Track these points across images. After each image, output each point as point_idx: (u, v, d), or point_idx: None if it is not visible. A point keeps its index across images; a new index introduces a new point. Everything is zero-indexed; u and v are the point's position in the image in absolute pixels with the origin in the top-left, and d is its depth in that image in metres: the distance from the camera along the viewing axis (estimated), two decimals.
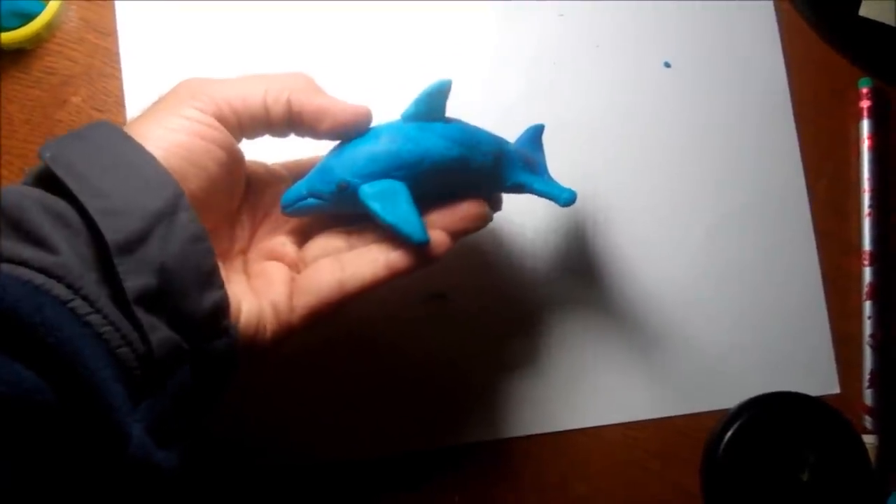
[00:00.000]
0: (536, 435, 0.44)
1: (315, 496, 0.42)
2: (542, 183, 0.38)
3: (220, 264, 0.34)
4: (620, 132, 0.46)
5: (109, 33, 0.43)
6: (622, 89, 0.46)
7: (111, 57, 0.43)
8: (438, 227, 0.35)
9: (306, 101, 0.34)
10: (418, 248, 0.34)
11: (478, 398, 0.44)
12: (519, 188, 0.38)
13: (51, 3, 0.41)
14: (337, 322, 0.43)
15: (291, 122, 0.34)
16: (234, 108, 0.33)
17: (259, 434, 0.42)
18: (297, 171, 0.38)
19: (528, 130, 0.39)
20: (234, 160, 0.33)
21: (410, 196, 0.34)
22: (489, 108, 0.45)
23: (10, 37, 0.40)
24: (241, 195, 0.36)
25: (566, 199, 0.38)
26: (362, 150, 0.35)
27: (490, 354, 0.44)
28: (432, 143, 0.35)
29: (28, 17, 0.41)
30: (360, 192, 0.34)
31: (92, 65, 0.43)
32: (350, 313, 0.43)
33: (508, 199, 0.44)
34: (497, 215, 0.44)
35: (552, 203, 0.45)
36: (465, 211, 0.36)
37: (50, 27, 0.42)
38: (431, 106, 0.35)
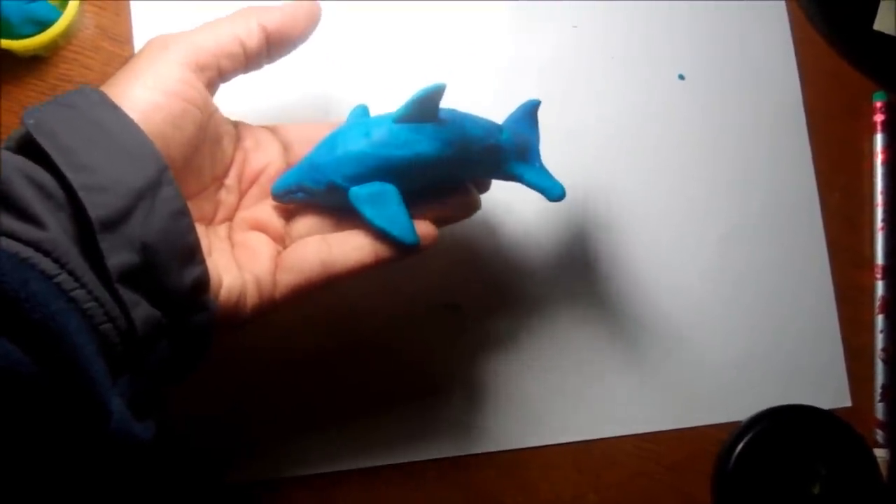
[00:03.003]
0: (547, 446, 0.44)
1: None
2: (533, 175, 0.37)
3: (204, 231, 0.34)
4: (633, 143, 0.46)
5: (125, 41, 0.43)
6: (635, 101, 0.46)
7: None
8: (426, 217, 0.35)
9: (274, 18, 0.34)
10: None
11: (488, 408, 0.44)
12: (510, 178, 0.38)
13: (67, 10, 0.41)
14: (347, 328, 0.43)
15: (270, 46, 0.34)
16: (210, 52, 0.33)
17: (265, 443, 0.42)
18: (285, 136, 0.38)
19: (521, 107, 0.38)
20: (210, 118, 0.33)
21: (401, 198, 0.34)
22: (502, 118, 0.45)
23: (26, 44, 0.40)
24: (228, 159, 0.36)
25: (556, 195, 0.37)
26: (352, 152, 0.34)
27: (499, 364, 0.44)
28: (424, 146, 0.34)
29: (44, 25, 0.41)
30: (349, 195, 0.34)
31: (107, 72, 0.42)
32: (360, 317, 0.43)
33: (523, 210, 0.44)
34: (509, 226, 0.44)
35: (566, 211, 0.45)
36: (452, 200, 0.36)
37: (66, 35, 0.42)
38: (424, 109, 0.35)
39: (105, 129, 0.28)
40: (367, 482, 0.43)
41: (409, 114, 0.34)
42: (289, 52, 0.36)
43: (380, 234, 0.34)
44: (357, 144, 0.34)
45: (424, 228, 0.35)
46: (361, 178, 0.34)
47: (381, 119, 0.35)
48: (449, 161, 0.35)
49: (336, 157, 0.34)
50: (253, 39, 0.34)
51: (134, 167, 0.28)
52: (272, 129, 0.38)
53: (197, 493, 0.42)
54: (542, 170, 0.38)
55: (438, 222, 0.36)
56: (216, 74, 0.33)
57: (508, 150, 0.37)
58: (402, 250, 0.35)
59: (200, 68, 0.32)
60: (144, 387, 0.29)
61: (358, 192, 0.34)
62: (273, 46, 0.35)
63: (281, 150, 0.37)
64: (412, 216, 0.35)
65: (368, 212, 0.34)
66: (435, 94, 0.34)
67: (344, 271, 0.34)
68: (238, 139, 0.36)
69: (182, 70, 0.31)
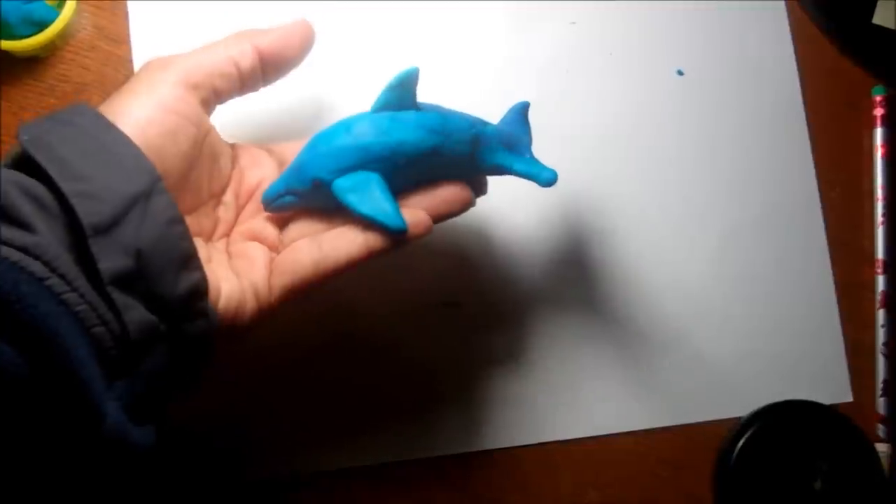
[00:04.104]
0: (548, 443, 0.44)
1: None
2: (521, 163, 0.37)
3: (203, 245, 0.34)
4: (632, 140, 0.46)
5: (123, 41, 0.43)
6: (634, 97, 0.46)
7: (124, 65, 0.43)
8: (418, 209, 0.35)
9: (268, 40, 0.35)
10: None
11: (489, 406, 0.44)
12: (498, 170, 0.37)
13: (64, 11, 0.41)
14: (347, 328, 0.43)
15: (265, 68, 0.35)
16: (204, 71, 0.33)
17: (264, 443, 0.42)
18: (281, 155, 0.38)
19: (512, 109, 0.38)
20: (205, 135, 0.34)
21: (385, 185, 0.34)
22: (499, 117, 0.45)
23: (24, 45, 0.41)
24: (225, 177, 0.37)
25: (546, 178, 0.37)
26: (334, 146, 0.35)
27: (501, 362, 0.44)
28: (405, 134, 0.34)
29: (42, 26, 0.41)
30: (333, 188, 0.34)
31: (105, 73, 0.43)
32: (361, 317, 0.43)
33: (523, 209, 0.44)
34: (509, 225, 0.44)
35: (565, 210, 0.45)
36: (445, 194, 0.36)
37: (63, 35, 0.42)
38: (402, 95, 0.35)
39: (99, 143, 0.29)
40: (365, 480, 0.43)
41: (386, 102, 0.35)
42: (284, 73, 0.36)
43: (368, 225, 0.34)
44: (339, 139, 0.35)
45: (413, 215, 0.35)
46: (345, 170, 0.34)
47: (361, 114, 0.36)
48: (433, 150, 0.35)
49: (319, 154, 0.35)
50: (246, 60, 0.35)
51: (126, 177, 0.29)
52: (268, 149, 0.39)
53: (195, 494, 0.42)
54: (532, 159, 0.38)
55: (433, 217, 0.36)
56: (211, 93, 0.34)
57: (494, 141, 0.37)
58: (391, 237, 0.34)
59: (195, 86, 0.33)
60: (143, 392, 0.29)
61: (341, 183, 0.34)
62: (267, 67, 0.35)
63: (276, 167, 0.38)
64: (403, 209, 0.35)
65: (352, 200, 0.34)
66: (409, 78, 0.34)
67: (336, 267, 0.34)
68: (235, 158, 0.37)
69: (177, 88, 0.32)
